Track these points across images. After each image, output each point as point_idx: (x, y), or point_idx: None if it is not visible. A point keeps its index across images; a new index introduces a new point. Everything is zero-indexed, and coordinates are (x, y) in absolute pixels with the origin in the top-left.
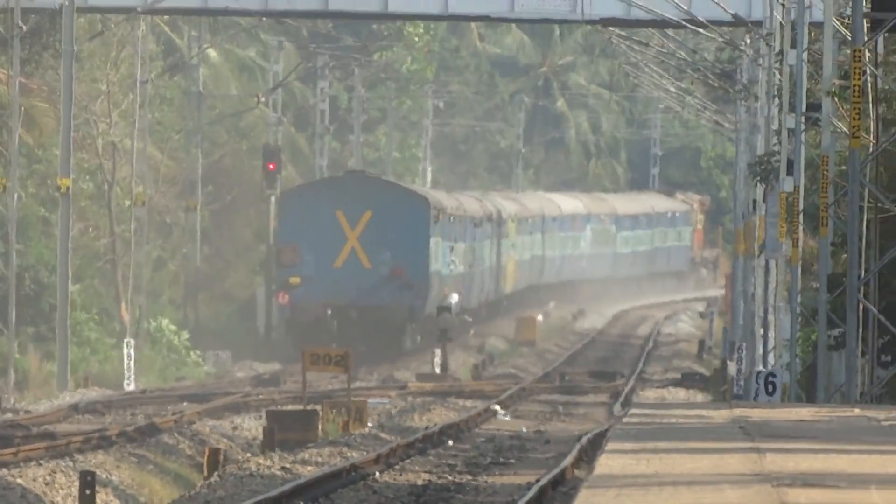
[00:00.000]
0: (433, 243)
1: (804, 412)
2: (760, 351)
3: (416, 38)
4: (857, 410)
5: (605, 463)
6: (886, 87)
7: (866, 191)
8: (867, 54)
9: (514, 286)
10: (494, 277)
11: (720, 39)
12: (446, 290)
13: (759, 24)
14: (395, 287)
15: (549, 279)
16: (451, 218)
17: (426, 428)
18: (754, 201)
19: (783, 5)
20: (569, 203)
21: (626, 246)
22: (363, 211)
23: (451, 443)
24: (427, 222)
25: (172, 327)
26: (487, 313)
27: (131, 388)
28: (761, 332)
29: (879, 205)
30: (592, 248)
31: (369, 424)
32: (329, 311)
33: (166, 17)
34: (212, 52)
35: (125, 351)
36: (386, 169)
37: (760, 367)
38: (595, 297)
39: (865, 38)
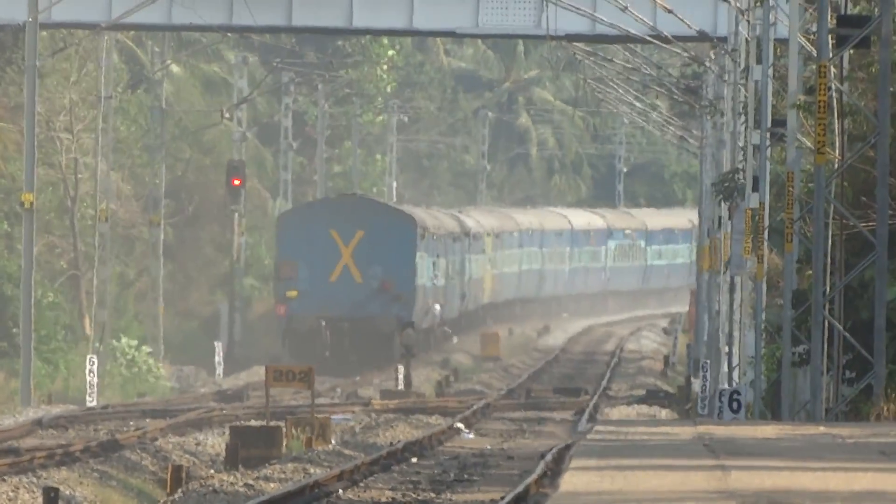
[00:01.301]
0: (419, 258)
1: (769, 430)
2: (725, 368)
3: (380, 54)
4: (821, 428)
5: (570, 480)
6: (851, 102)
7: (832, 207)
8: (832, 70)
9: (492, 297)
10: (472, 289)
11: (685, 55)
12: (430, 301)
13: (724, 39)
14: (385, 299)
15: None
16: (434, 235)
17: (390, 444)
18: (720, 218)
19: (748, 21)
20: (582, 218)
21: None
22: (356, 230)
23: (414, 460)
24: (414, 239)
25: (133, 342)
26: (466, 323)
27: (94, 403)
28: (726, 349)
29: (845, 221)
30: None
31: (333, 441)
32: (323, 323)
33: (130, 32)
34: (175, 68)
35: (88, 367)
36: (353, 184)
37: (725, 385)
38: (586, 310)
39: (831, 54)
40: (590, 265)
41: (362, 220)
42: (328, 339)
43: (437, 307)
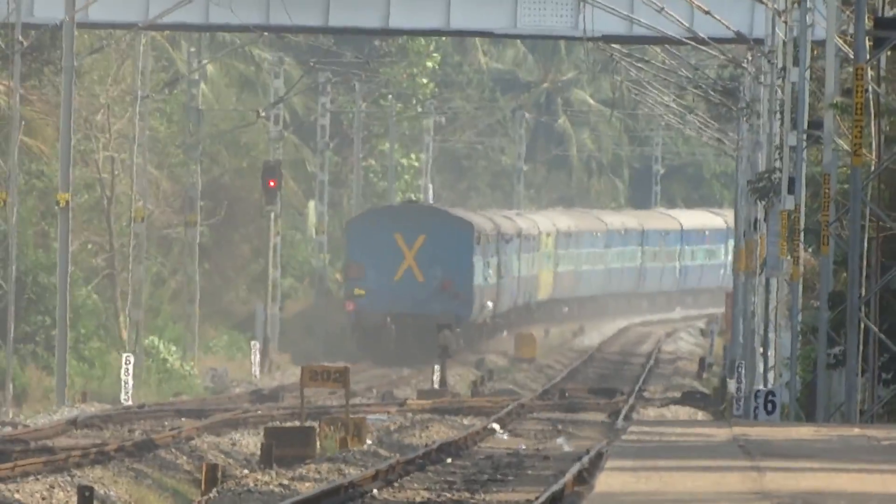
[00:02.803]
0: (475, 260)
1: (804, 431)
2: (760, 369)
3: (420, 53)
4: (857, 429)
5: (605, 481)
6: (888, 104)
7: (868, 209)
8: (869, 72)
9: (555, 294)
10: (524, 286)
11: (722, 57)
12: (484, 299)
13: (761, 41)
14: (445, 298)
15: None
16: (489, 237)
17: (425, 444)
18: (756, 219)
19: (785, 23)
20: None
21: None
22: (418, 234)
23: (449, 460)
24: (471, 243)
25: (168, 342)
26: (517, 318)
27: (129, 402)
28: (761, 350)
29: (881, 223)
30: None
31: (368, 441)
32: (388, 318)
33: (165, 33)
34: (210, 68)
35: (123, 366)
36: (390, 185)
37: (760, 386)
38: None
39: (868, 56)
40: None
41: (424, 225)
42: (393, 333)
43: (490, 304)
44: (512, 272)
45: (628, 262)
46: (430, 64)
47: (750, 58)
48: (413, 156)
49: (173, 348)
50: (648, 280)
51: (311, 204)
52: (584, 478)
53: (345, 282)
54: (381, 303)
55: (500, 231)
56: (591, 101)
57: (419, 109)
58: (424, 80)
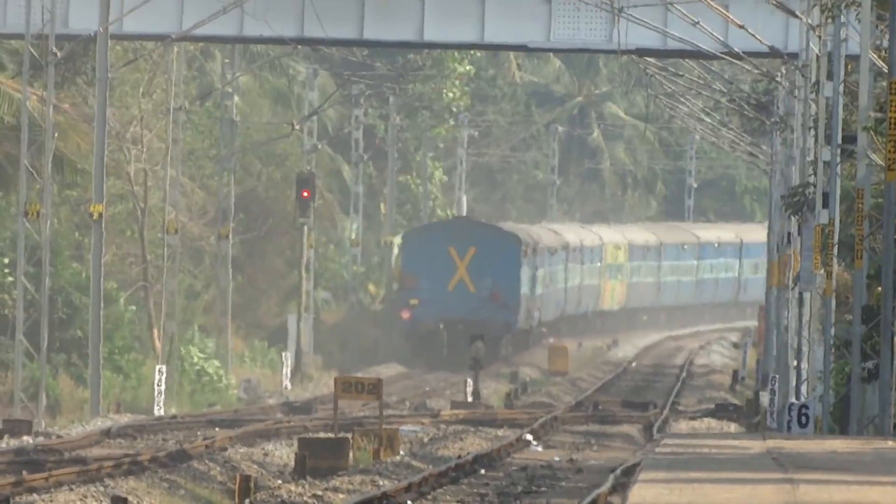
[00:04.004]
0: (522, 272)
1: (837, 444)
2: (794, 382)
3: (453, 68)
4: (890, 443)
5: (639, 492)
6: None
7: None
8: None
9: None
10: (574, 296)
11: (756, 71)
12: (530, 308)
13: (795, 55)
14: (494, 306)
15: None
16: (534, 249)
17: (459, 456)
18: (789, 234)
19: (819, 37)
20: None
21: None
22: (469, 247)
23: (483, 471)
24: (518, 255)
25: (202, 354)
26: (567, 327)
27: (162, 413)
28: (794, 363)
29: None
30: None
31: (401, 452)
32: (441, 325)
33: (199, 44)
34: (244, 80)
35: (156, 377)
36: (425, 196)
37: (793, 399)
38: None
39: None
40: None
41: (475, 238)
42: (445, 339)
43: (536, 313)
44: (558, 283)
45: (723, 273)
46: (459, 68)
47: (784, 72)
48: (439, 168)
49: (213, 361)
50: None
51: (347, 219)
52: (618, 490)
53: (399, 291)
54: (434, 311)
55: (547, 244)
56: (625, 116)
57: (451, 122)
58: (454, 93)
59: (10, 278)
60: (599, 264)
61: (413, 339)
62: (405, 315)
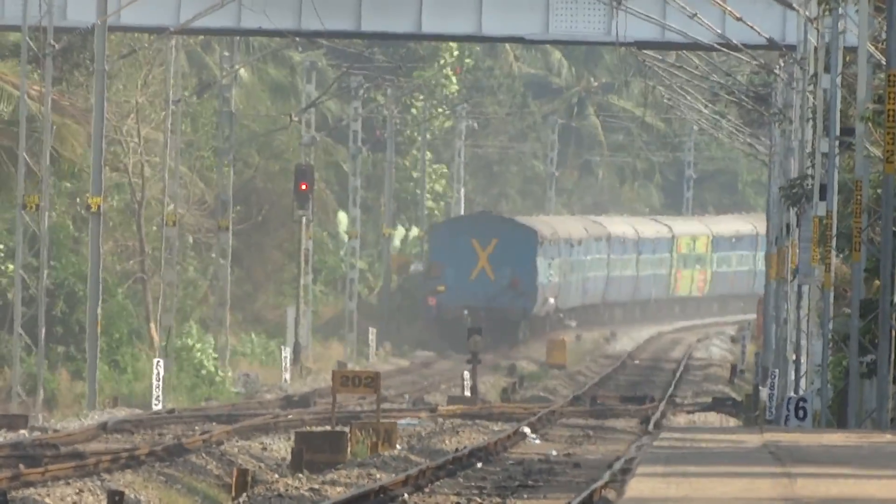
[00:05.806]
0: (539, 262)
1: (835, 438)
2: (792, 376)
3: (452, 57)
4: (888, 436)
5: (636, 486)
6: None
7: None
8: None
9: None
10: (593, 285)
11: (754, 63)
12: (547, 295)
13: (793, 47)
14: (513, 294)
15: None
16: (550, 241)
17: (456, 450)
18: (787, 225)
19: (817, 29)
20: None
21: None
22: (491, 238)
23: (480, 465)
24: (535, 247)
25: (199, 346)
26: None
27: (160, 407)
28: (793, 357)
29: None
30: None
31: (398, 446)
32: (465, 311)
33: (198, 37)
34: (243, 72)
35: (154, 371)
36: (423, 188)
37: (792, 393)
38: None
39: None
40: None
41: (496, 231)
42: (469, 324)
43: (552, 300)
44: (581, 273)
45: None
46: (448, 58)
47: (782, 64)
48: (434, 162)
49: (211, 352)
50: None
51: (341, 213)
52: (615, 484)
53: (426, 280)
54: (458, 298)
55: (568, 236)
56: (624, 104)
57: (445, 112)
58: (450, 80)
59: (11, 265)
60: (669, 255)
61: (439, 324)
62: (431, 301)
